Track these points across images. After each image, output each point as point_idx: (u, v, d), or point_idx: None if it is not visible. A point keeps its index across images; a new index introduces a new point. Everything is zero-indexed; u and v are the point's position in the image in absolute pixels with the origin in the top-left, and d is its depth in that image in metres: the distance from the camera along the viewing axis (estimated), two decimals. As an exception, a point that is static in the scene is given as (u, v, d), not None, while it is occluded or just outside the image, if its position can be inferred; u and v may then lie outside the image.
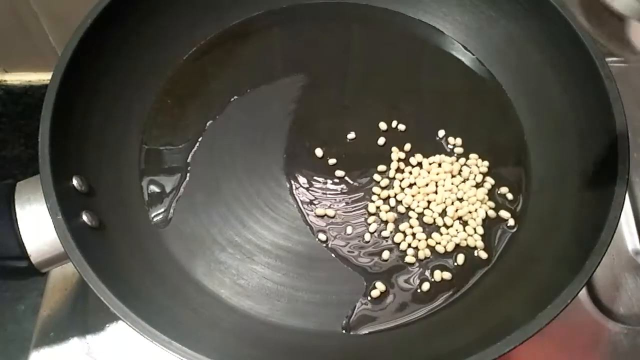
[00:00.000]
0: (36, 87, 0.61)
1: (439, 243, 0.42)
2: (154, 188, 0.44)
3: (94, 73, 0.43)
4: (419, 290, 0.41)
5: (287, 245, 0.42)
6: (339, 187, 0.45)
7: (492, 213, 0.43)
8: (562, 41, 0.44)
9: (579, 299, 0.46)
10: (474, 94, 0.49)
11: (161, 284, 0.40)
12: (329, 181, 0.45)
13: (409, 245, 0.42)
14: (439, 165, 0.45)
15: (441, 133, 0.47)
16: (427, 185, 0.44)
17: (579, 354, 0.46)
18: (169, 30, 0.48)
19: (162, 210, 0.43)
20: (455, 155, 0.46)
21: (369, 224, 0.43)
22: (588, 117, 0.43)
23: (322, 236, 0.43)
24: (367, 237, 0.43)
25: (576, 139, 0.43)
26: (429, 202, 0.44)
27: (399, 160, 0.45)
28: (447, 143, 0.46)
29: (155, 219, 0.43)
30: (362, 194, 0.44)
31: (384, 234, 0.43)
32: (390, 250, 0.42)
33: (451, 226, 0.43)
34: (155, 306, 0.37)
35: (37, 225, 0.37)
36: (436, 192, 0.44)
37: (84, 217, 0.38)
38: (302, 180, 0.45)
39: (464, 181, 0.45)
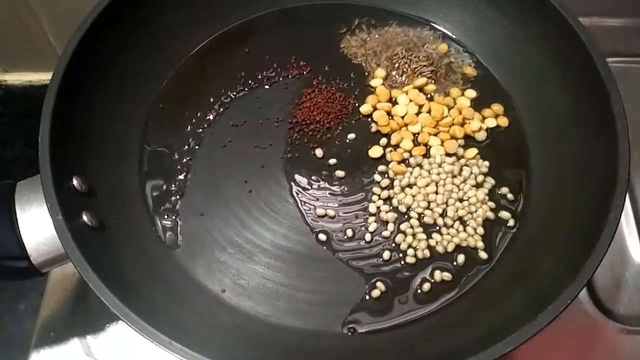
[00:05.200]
0: (36, 87, 0.61)
1: (440, 243, 0.42)
2: (155, 189, 0.44)
3: (93, 73, 0.43)
4: (419, 291, 0.41)
5: (287, 245, 0.42)
6: (339, 187, 0.45)
7: (492, 213, 0.43)
8: (562, 41, 0.44)
9: (579, 299, 0.46)
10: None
11: (161, 284, 0.40)
12: (329, 181, 0.45)
13: (410, 246, 0.42)
14: (440, 165, 0.45)
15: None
16: (427, 185, 0.44)
17: (579, 354, 0.46)
18: (169, 31, 0.48)
19: (163, 210, 0.43)
20: (456, 155, 0.46)
21: (369, 224, 0.43)
22: (588, 117, 0.43)
23: (322, 236, 0.43)
24: (368, 237, 0.43)
25: (576, 139, 0.43)
26: (429, 202, 0.44)
27: (399, 161, 0.45)
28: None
29: (156, 220, 0.43)
30: (363, 194, 0.44)
31: (385, 234, 0.43)
32: (391, 250, 0.42)
33: (452, 226, 0.43)
34: (155, 306, 0.37)
35: (37, 226, 0.37)
36: (436, 193, 0.44)
37: (84, 217, 0.38)
38: (302, 180, 0.45)
39: (464, 181, 0.45)
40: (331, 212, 0.43)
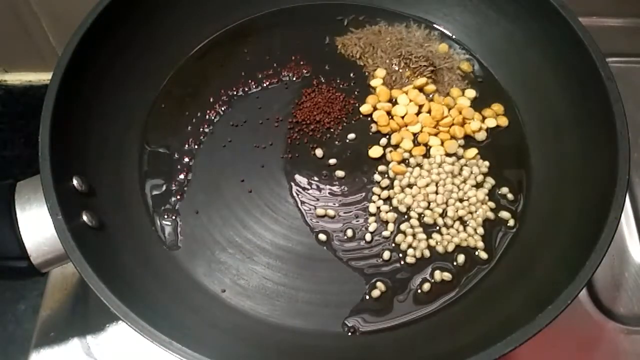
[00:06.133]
0: (36, 87, 0.60)
1: (440, 243, 0.42)
2: (155, 189, 0.44)
3: (93, 73, 0.43)
4: (419, 291, 0.41)
5: (287, 245, 0.42)
6: (339, 188, 0.45)
7: (492, 214, 0.43)
8: (562, 41, 0.44)
9: (579, 299, 0.46)
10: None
11: (161, 284, 0.40)
12: (329, 181, 0.45)
13: (410, 246, 0.42)
14: (440, 165, 0.45)
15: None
16: (427, 185, 0.44)
17: (579, 354, 0.46)
18: (169, 31, 0.48)
19: (163, 210, 0.43)
20: (456, 155, 0.46)
21: (369, 224, 0.43)
22: (588, 117, 0.43)
23: (322, 236, 0.43)
24: (368, 237, 0.43)
25: (576, 139, 0.43)
26: (429, 202, 0.44)
27: (399, 161, 0.45)
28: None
29: (156, 220, 0.43)
30: (363, 194, 0.44)
31: (385, 234, 0.43)
32: (391, 250, 0.42)
33: (452, 226, 0.43)
34: (155, 306, 0.37)
35: (37, 225, 0.37)
36: (436, 193, 0.44)
37: (84, 217, 0.38)
38: (302, 180, 0.45)
39: (464, 181, 0.45)
40: (331, 212, 0.43)
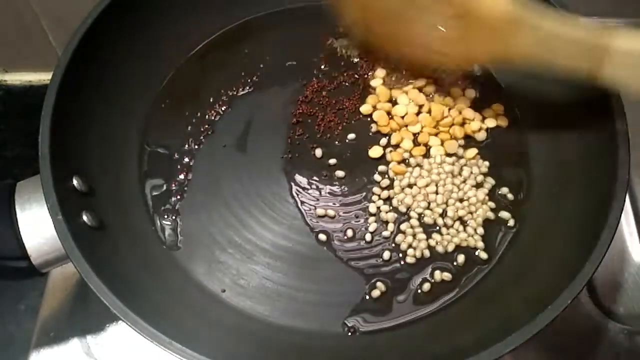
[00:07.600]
0: (36, 87, 0.61)
1: (440, 243, 0.42)
2: (155, 189, 0.44)
3: (94, 73, 0.43)
4: (419, 291, 0.41)
5: (287, 245, 0.42)
6: (339, 188, 0.45)
7: (492, 214, 0.43)
8: (563, 41, 0.44)
9: (579, 299, 0.46)
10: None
11: (161, 284, 0.40)
12: (329, 181, 0.45)
13: (410, 246, 0.42)
14: (440, 165, 0.45)
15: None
16: (427, 185, 0.44)
17: (579, 354, 0.46)
18: (169, 31, 0.48)
19: (163, 210, 0.43)
20: (456, 155, 0.46)
21: (370, 225, 0.43)
22: (588, 117, 0.43)
23: (322, 237, 0.43)
24: (368, 237, 0.43)
25: (576, 139, 0.43)
26: (429, 202, 0.44)
27: (399, 161, 0.45)
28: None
29: (156, 220, 0.43)
30: (363, 194, 0.44)
31: (385, 234, 0.43)
32: (391, 250, 0.42)
33: (452, 226, 0.43)
34: (155, 306, 0.37)
35: (37, 226, 0.37)
36: (436, 193, 0.44)
37: (84, 217, 0.38)
38: (302, 180, 0.45)
39: (464, 181, 0.45)
40: (331, 212, 0.43)
